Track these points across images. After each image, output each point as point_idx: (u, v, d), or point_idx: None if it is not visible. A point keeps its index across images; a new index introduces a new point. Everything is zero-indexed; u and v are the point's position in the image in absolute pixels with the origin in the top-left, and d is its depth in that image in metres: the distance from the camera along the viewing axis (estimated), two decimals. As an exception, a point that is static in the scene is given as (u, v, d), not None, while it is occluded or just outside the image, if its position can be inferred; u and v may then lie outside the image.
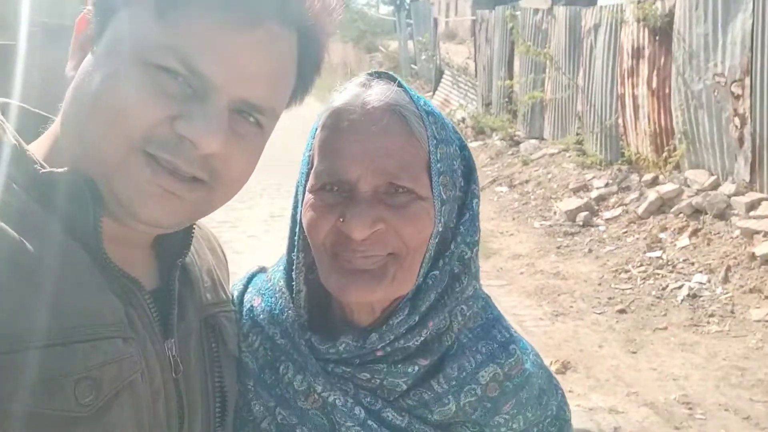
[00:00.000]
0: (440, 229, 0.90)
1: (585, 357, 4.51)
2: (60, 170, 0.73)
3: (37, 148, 0.79)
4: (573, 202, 7.43)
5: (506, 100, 11.26)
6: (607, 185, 7.62)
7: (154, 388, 0.79)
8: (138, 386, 0.75)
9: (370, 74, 0.94)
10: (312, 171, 0.91)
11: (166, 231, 0.83)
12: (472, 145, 11.07)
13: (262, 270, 1.09)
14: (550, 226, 7.23)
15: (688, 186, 6.69)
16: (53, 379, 0.65)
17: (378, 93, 0.89)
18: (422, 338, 0.92)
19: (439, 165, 0.89)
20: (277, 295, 1.00)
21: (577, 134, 9.03)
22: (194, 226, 0.93)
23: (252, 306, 1.03)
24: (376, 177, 0.85)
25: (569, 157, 8.78)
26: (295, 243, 0.96)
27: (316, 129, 0.92)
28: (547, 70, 9.85)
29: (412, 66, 18.68)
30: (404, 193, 0.87)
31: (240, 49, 0.75)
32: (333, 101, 0.91)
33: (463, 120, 12.02)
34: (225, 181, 0.80)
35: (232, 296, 1.06)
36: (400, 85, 0.91)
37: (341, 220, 0.85)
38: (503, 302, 5.35)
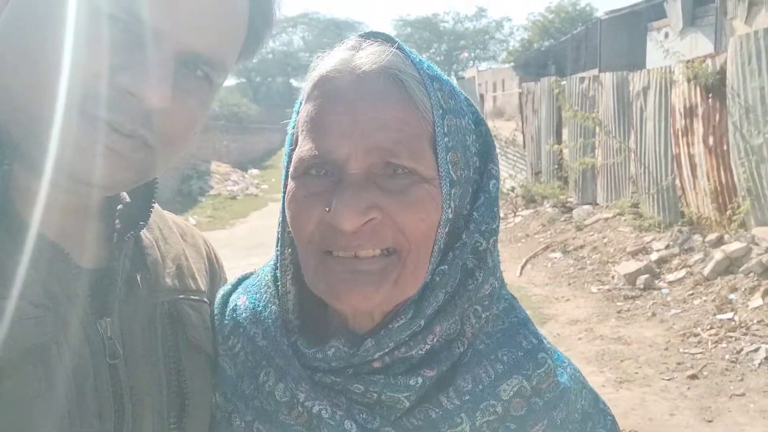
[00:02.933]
0: (450, 216, 0.75)
1: (656, 426, 4.10)
2: None
3: None
4: (632, 266, 7.07)
5: (556, 167, 11.12)
6: (667, 247, 7.25)
7: (80, 371, 0.70)
8: (51, 359, 0.68)
9: (362, 35, 0.80)
10: (294, 152, 0.78)
11: (107, 193, 0.75)
12: (523, 213, 10.88)
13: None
14: (609, 290, 6.87)
15: (757, 244, 6.27)
16: None
17: (370, 55, 0.75)
18: (428, 346, 0.76)
19: (446, 139, 0.75)
20: (262, 290, 0.87)
21: (632, 197, 8.75)
22: (151, 204, 0.86)
23: (236, 305, 0.90)
24: (369, 155, 0.71)
25: (625, 220, 8.47)
26: (279, 237, 0.83)
27: (301, 103, 0.80)
28: (596, 136, 9.72)
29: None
30: (404, 174, 0.72)
31: None
32: (317, 67, 0.78)
33: (513, 189, 11.89)
34: (168, 140, 0.72)
35: (219, 297, 0.95)
36: (398, 48, 0.77)
37: (327, 210, 0.71)
38: (561, 368, 5.00)
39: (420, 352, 0.76)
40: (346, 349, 0.76)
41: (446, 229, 0.76)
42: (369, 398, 0.75)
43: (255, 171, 23.37)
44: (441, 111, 0.75)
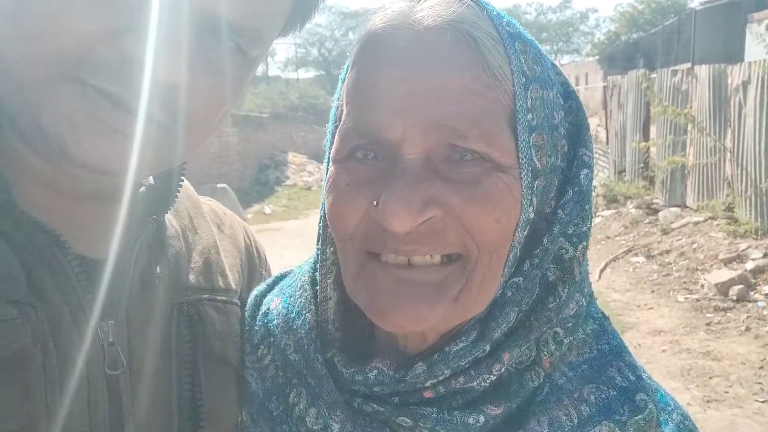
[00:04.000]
0: (531, 216, 0.60)
1: (747, 453, 3.75)
2: None
3: None
4: (724, 274, 6.56)
5: (642, 165, 10.53)
6: (765, 256, 6.67)
7: (68, 381, 0.60)
8: (31, 368, 0.57)
9: None
10: (337, 130, 0.64)
11: (112, 178, 0.63)
12: (604, 213, 10.38)
13: None
14: (697, 300, 6.40)
15: None
16: None
17: (435, 6, 0.60)
18: (493, 377, 0.61)
19: (530, 116, 0.59)
20: (297, 293, 0.74)
21: (726, 200, 8.14)
22: (179, 187, 0.74)
23: (268, 309, 0.77)
24: (429, 134, 0.57)
25: (717, 225, 7.88)
26: (321, 233, 0.70)
27: (347, 69, 0.66)
28: (688, 133, 9.10)
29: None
30: (474, 160, 0.58)
31: None
32: (369, 23, 0.63)
33: (594, 188, 11.39)
34: (190, 121, 0.60)
35: (252, 298, 0.83)
36: None
37: (375, 204, 0.58)
38: (642, 382, 4.70)
39: (483, 383, 0.62)
40: (391, 373, 0.63)
41: (525, 231, 0.61)
42: None
43: (330, 162, 23.66)
44: (524, 80, 0.60)
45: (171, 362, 0.72)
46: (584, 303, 0.66)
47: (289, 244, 9.43)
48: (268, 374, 0.74)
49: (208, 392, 0.73)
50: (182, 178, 0.76)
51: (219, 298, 0.79)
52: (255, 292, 0.84)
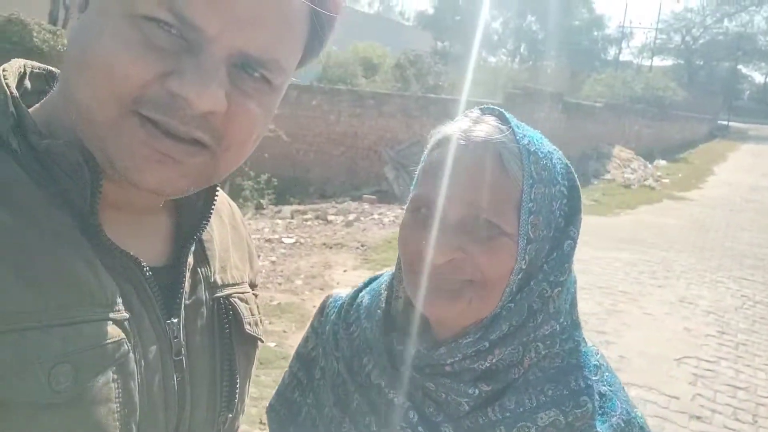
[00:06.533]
0: (523, 267, 0.91)
1: None
2: (58, 142, 0.69)
3: (38, 111, 0.75)
4: None
5: None
6: None
7: (150, 371, 0.74)
8: (129, 369, 0.70)
9: (482, 109, 0.99)
10: (411, 192, 1.01)
11: (168, 197, 0.78)
12: None
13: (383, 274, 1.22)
14: None
15: None
16: (24, 364, 0.59)
17: (483, 129, 0.94)
18: (487, 364, 0.94)
19: (531, 204, 0.90)
20: (377, 295, 1.13)
21: None
22: (215, 198, 0.86)
23: (361, 302, 1.17)
24: (464, 207, 0.91)
25: None
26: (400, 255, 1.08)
27: (427, 154, 1.01)
28: None
29: None
30: (489, 226, 0.90)
31: None
32: (443, 130, 0.99)
33: None
34: (230, 144, 0.72)
35: (352, 292, 1.20)
36: (509, 125, 0.94)
37: (424, 243, 0.93)
38: None
39: (481, 366, 0.95)
40: (425, 351, 0.98)
41: (519, 276, 0.92)
42: (438, 396, 0.97)
43: (662, 162, 21.75)
44: (531, 181, 0.91)
45: (215, 344, 0.85)
46: (558, 329, 0.94)
47: (586, 240, 9.31)
48: (354, 343, 1.12)
49: (241, 365, 0.89)
50: (217, 188, 0.87)
51: (240, 290, 0.93)
52: (356, 288, 1.23)
